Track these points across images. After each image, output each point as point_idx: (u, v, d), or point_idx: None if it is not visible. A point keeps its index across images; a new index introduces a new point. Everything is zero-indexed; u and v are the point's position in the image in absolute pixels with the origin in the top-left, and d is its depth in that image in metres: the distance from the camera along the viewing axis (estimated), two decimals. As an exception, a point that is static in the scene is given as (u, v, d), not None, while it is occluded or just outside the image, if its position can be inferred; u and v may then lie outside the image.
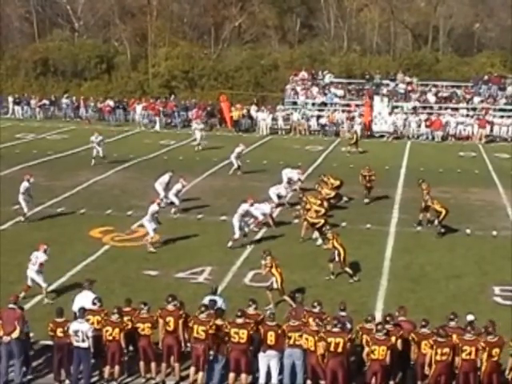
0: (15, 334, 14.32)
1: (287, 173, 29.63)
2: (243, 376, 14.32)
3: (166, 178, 27.96)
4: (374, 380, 13.81)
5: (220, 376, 14.47)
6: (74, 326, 14.28)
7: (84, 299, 15.51)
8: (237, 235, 23.07)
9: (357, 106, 48.82)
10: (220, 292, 18.56)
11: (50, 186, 30.04)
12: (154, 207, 22.97)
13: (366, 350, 13.84)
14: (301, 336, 14.17)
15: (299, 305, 15.62)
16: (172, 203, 26.96)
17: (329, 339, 13.82)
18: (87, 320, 14.48)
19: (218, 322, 14.39)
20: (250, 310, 14.87)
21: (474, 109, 48.57)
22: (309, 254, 22.28)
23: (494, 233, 24.75)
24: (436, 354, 13.66)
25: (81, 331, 14.19)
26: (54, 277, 19.67)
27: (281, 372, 14.42)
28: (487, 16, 67.72)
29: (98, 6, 66.86)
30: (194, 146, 40.67)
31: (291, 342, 14.27)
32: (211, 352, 14.36)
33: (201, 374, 14.45)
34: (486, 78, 51.66)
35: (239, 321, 14.30)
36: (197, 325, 14.36)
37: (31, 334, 15.03)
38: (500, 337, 13.72)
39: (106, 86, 59.66)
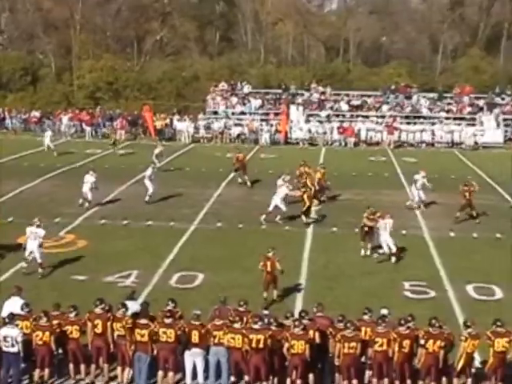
0: None
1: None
2: (170, 374, 14.27)
3: (90, 178, 28.21)
4: (294, 373, 13.92)
5: (147, 374, 14.40)
6: (3, 331, 14.03)
7: (12, 305, 15.21)
8: (284, 209, 26.11)
9: (275, 114, 49.23)
10: (146, 294, 18.51)
11: None
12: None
13: (286, 345, 13.94)
14: (225, 334, 14.20)
15: (222, 304, 15.57)
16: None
17: (251, 336, 13.88)
18: (16, 325, 14.22)
19: (142, 321, 14.32)
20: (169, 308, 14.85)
21: (383, 116, 49.40)
22: (233, 256, 22.31)
23: (404, 231, 25.14)
24: (343, 347, 13.86)
25: (10, 337, 13.96)
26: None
27: (206, 369, 14.41)
28: (393, 29, 69.12)
29: (21, 20, 65.68)
30: (119, 154, 40.39)
31: (216, 340, 14.24)
32: (132, 347, 14.27)
33: (127, 369, 14.39)
34: (393, 87, 52.70)
35: (167, 321, 14.24)
36: (115, 322, 14.36)
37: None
38: (412, 329, 13.98)
39: (31, 97, 58.73)
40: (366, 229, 22.76)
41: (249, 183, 32.44)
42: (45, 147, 41.54)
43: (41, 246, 20.33)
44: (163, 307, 14.86)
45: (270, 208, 26.32)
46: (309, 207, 26.51)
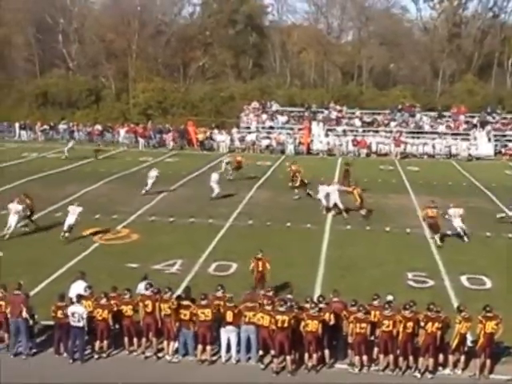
0: (23, 315, 14.25)
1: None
2: (208, 348, 14.32)
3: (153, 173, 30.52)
4: (309, 348, 13.96)
5: (190, 347, 14.45)
6: (71, 308, 14.29)
7: (77, 287, 15.41)
8: (342, 206, 26.69)
9: (298, 129, 49.17)
10: (188, 280, 18.57)
11: (48, 195, 29.59)
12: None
13: (302, 323, 13.93)
14: (255, 315, 14.19)
15: (253, 290, 15.74)
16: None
17: (277, 317, 13.88)
18: (82, 304, 14.38)
19: (185, 303, 14.38)
20: (219, 294, 14.85)
21: (391, 131, 49.07)
22: (259, 247, 22.24)
23: (408, 230, 25.01)
24: (356, 327, 13.90)
25: (77, 313, 14.19)
26: (54, 268, 19.50)
27: (238, 344, 14.44)
28: (400, 58, 68.68)
29: (88, 50, 66.32)
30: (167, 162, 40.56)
31: (247, 319, 14.30)
32: (177, 324, 14.32)
33: (172, 343, 14.45)
34: (399, 107, 52.32)
35: (203, 302, 14.30)
36: (163, 303, 14.43)
37: (35, 316, 14.81)
38: (414, 313, 13.90)
39: (94, 113, 59.12)
40: (431, 221, 23.27)
41: (311, 192, 30.34)
42: (65, 153, 41.48)
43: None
44: (204, 291, 14.88)
45: (341, 206, 26.80)
46: (362, 201, 26.80)
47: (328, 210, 27.40)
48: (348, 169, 32.63)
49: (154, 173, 30.78)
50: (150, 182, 30.46)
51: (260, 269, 17.52)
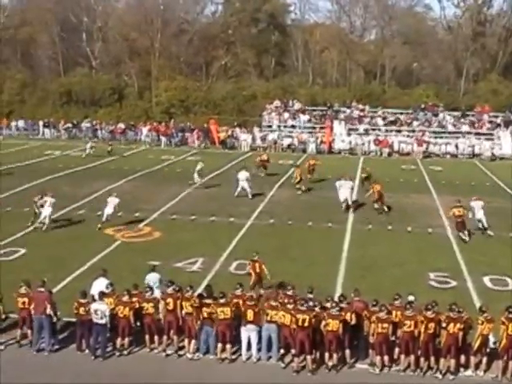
0: (47, 311, 14.38)
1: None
2: (228, 346, 14.33)
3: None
4: (330, 347, 13.93)
5: (211, 345, 14.48)
6: (94, 306, 14.35)
7: (99, 284, 15.49)
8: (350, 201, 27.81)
9: (320, 128, 49.06)
10: (209, 278, 18.59)
11: (72, 193, 29.86)
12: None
13: (323, 322, 13.91)
14: (276, 314, 14.17)
15: (273, 289, 15.66)
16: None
17: (298, 316, 13.86)
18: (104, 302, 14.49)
19: (207, 300, 14.42)
20: (238, 292, 14.87)
21: (414, 131, 48.79)
22: (283, 248, 22.28)
23: (430, 230, 24.86)
24: (377, 327, 13.82)
25: (100, 310, 14.25)
26: (77, 266, 19.66)
27: (259, 342, 14.43)
28: (423, 57, 68.20)
29: (111, 48, 66.76)
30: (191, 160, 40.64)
31: (268, 318, 14.27)
32: (198, 323, 14.36)
33: (193, 341, 14.48)
34: (422, 106, 52.01)
35: (222, 301, 14.31)
36: (184, 301, 14.47)
37: (58, 313, 14.92)
38: (436, 313, 13.81)
39: (117, 112, 59.45)
40: (459, 220, 23.53)
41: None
42: (86, 152, 41.57)
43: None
44: (224, 289, 14.91)
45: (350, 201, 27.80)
46: (381, 196, 27.40)
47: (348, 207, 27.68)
48: (367, 177, 31.96)
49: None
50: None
51: (258, 270, 17.51)
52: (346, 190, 27.81)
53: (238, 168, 32.76)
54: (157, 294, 15.37)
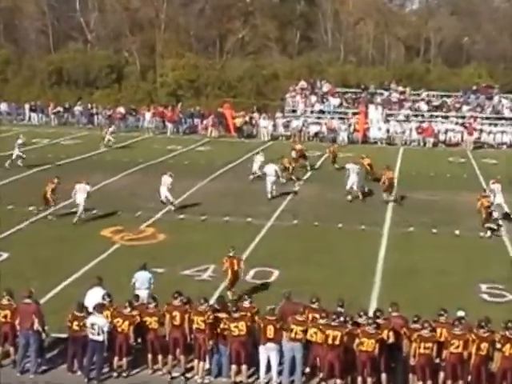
0: (35, 327, 14.38)
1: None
2: (244, 367, 14.33)
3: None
4: (363, 371, 13.85)
5: (224, 366, 14.49)
6: (90, 319, 14.32)
7: (94, 295, 15.53)
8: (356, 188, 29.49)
9: (353, 114, 48.97)
10: (223, 288, 18.60)
11: (63, 188, 29.97)
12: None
13: (357, 341, 13.86)
14: (303, 331, 14.13)
15: (287, 300, 15.48)
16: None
17: (327, 331, 13.83)
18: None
19: (219, 315, 14.43)
20: (246, 304, 14.90)
21: (463, 117, 48.55)
22: (309, 253, 22.28)
23: (481, 234, 24.73)
24: (419, 347, 13.73)
25: (97, 325, 14.23)
26: (68, 272, 19.79)
27: (280, 363, 14.41)
28: (475, 29, 67.78)
29: (110, 19, 66.96)
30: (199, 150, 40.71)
31: (292, 335, 14.19)
32: (210, 342, 14.36)
33: (202, 363, 14.47)
34: (474, 88, 51.69)
35: (235, 315, 14.32)
36: (196, 316, 14.41)
37: (46, 327, 14.99)
38: (491, 332, 13.71)
39: (116, 94, 59.73)
40: (488, 210, 24.78)
41: None
42: (105, 141, 41.94)
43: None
44: (240, 301, 14.94)
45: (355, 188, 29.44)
46: (391, 185, 28.87)
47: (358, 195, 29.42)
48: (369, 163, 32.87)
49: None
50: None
51: (236, 268, 17.93)
52: (353, 175, 29.39)
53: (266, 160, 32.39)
54: (143, 297, 15.68)
